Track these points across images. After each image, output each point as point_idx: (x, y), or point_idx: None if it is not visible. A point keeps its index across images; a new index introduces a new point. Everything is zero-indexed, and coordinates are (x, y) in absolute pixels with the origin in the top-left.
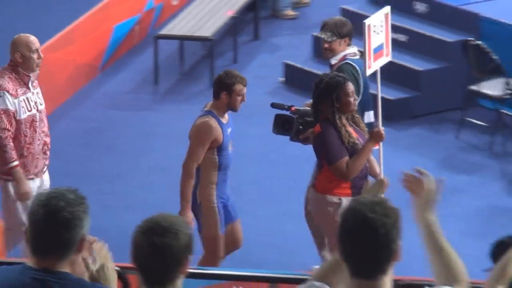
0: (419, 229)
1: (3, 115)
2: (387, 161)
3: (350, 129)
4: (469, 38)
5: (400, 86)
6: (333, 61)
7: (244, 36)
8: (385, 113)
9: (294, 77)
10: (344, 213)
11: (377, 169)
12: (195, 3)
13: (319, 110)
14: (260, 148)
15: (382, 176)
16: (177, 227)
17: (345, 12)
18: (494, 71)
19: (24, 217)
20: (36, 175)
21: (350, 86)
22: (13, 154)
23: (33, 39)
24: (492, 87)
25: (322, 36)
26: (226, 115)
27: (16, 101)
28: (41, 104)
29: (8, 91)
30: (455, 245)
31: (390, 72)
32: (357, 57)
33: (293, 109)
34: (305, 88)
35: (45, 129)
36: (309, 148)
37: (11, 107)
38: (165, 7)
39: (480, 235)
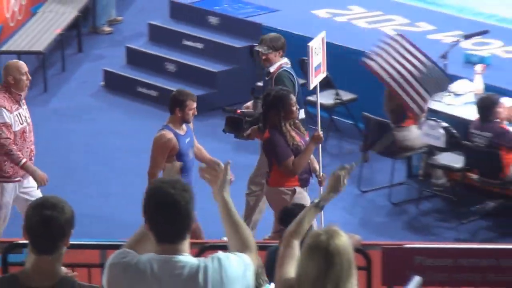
0: (218, 206)
1: (3, 127)
2: None
3: (293, 133)
4: (254, 44)
5: (199, 85)
6: (272, 69)
7: (70, 49)
8: None
9: (112, 81)
10: (149, 191)
11: (316, 166)
12: (29, 23)
13: (267, 118)
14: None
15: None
16: (63, 204)
17: (153, 27)
18: None
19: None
20: (22, 177)
21: (293, 98)
22: (19, 154)
23: (22, 63)
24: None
25: (260, 49)
26: (183, 127)
27: (11, 116)
28: (28, 118)
29: (5, 108)
30: None
31: (190, 74)
32: (289, 65)
33: (238, 111)
34: (122, 90)
35: (32, 138)
36: None
37: (8, 121)
38: (4, 28)
39: None
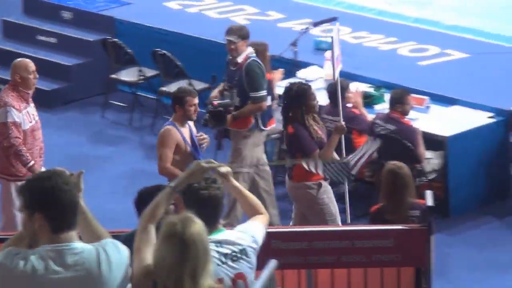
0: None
1: (12, 127)
2: (47, 140)
3: (316, 127)
4: (107, 37)
5: (54, 79)
6: (240, 59)
7: None
8: (43, 102)
9: None
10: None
11: (336, 157)
12: None
13: (291, 113)
14: None
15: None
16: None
17: (6, 23)
18: (129, 62)
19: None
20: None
21: (314, 92)
22: (28, 156)
23: (29, 62)
24: (129, 75)
25: (231, 39)
26: (186, 125)
27: (20, 114)
28: (36, 116)
29: (14, 107)
30: (108, 202)
31: (44, 68)
32: (254, 54)
33: (215, 103)
34: None
35: (41, 136)
36: None
37: (17, 120)
38: None
39: (126, 194)
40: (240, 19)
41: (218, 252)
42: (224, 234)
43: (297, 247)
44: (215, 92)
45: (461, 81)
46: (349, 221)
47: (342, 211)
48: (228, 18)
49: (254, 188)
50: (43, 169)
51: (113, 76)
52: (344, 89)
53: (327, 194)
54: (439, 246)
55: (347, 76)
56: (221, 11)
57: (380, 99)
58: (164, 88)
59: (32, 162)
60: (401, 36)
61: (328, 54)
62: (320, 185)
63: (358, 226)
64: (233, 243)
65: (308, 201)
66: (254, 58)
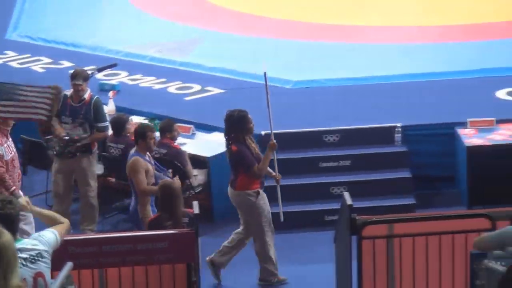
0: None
1: None
2: None
3: (253, 145)
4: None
5: None
6: (86, 96)
7: None
8: None
9: None
10: None
11: (269, 170)
12: None
13: (233, 134)
14: None
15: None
16: None
17: None
18: None
19: None
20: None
21: (250, 117)
22: (10, 181)
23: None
24: None
25: (78, 82)
26: (146, 155)
27: (2, 147)
28: (14, 148)
29: None
30: None
31: None
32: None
33: (76, 137)
34: None
35: (18, 164)
36: None
37: (1, 152)
38: None
39: None
40: (38, 68)
41: (20, 257)
42: (22, 242)
43: (90, 251)
44: (58, 127)
45: (219, 112)
46: (282, 219)
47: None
48: (29, 67)
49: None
50: (21, 192)
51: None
52: (125, 121)
53: (264, 200)
54: (205, 246)
55: (128, 111)
56: (21, 62)
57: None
58: None
59: (14, 187)
60: (170, 77)
61: (110, 93)
62: (258, 193)
63: (139, 232)
64: (30, 249)
65: (249, 207)
66: (97, 96)
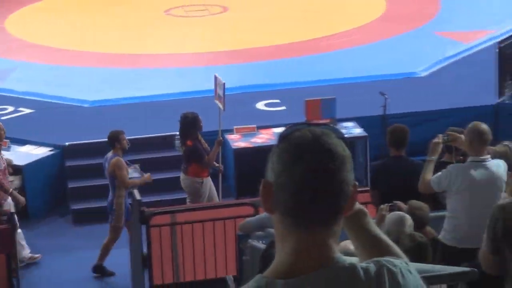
0: None
1: None
2: None
3: (203, 141)
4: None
5: None
6: None
7: None
8: None
9: None
10: None
11: (215, 163)
12: None
13: (188, 133)
14: None
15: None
16: None
17: None
18: None
19: None
20: (5, 199)
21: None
22: (7, 185)
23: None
24: None
25: None
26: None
27: None
28: (4, 160)
29: None
30: None
31: None
32: None
33: None
34: None
35: (7, 173)
36: None
37: None
38: None
39: None
40: None
41: None
42: None
43: None
44: None
45: (30, 128)
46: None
47: None
48: None
49: None
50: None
51: None
52: None
53: (207, 185)
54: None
55: None
56: None
57: None
58: None
59: (11, 189)
60: None
61: None
62: (202, 181)
63: None
64: None
65: (193, 189)
66: None
